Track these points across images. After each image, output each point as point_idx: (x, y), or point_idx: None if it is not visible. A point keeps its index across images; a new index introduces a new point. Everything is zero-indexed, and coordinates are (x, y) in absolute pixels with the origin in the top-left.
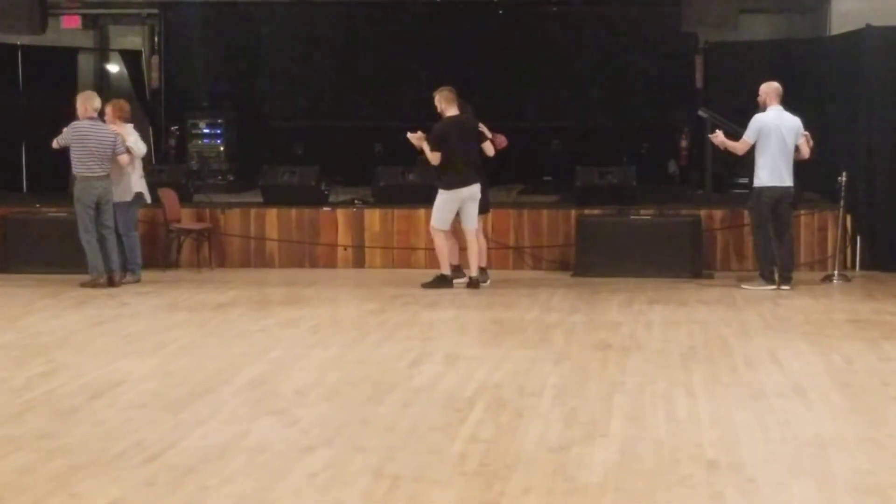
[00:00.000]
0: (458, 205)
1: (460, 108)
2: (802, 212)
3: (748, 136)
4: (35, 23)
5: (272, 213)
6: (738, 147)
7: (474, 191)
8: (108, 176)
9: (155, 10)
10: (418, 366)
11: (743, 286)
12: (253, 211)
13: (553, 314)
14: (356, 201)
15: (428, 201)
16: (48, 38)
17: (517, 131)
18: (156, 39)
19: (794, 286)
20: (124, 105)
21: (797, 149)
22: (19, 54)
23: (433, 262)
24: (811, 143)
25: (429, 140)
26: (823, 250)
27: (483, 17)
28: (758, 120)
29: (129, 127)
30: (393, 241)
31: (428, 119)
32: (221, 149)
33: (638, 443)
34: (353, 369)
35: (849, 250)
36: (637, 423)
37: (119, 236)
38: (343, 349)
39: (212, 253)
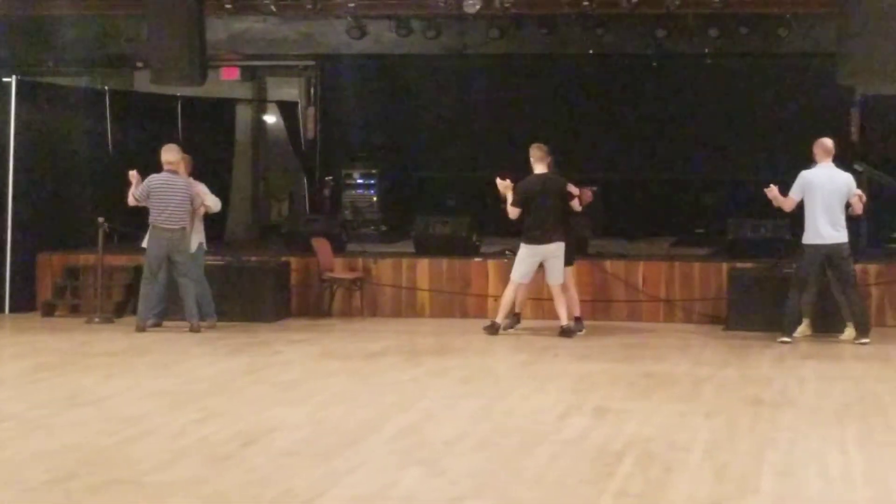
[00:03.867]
0: (537, 260)
1: (548, 166)
2: None
3: (792, 194)
4: (195, 74)
5: (424, 264)
6: (785, 203)
7: (553, 249)
8: (182, 228)
9: (312, 62)
10: (567, 418)
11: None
12: (405, 261)
13: (704, 368)
14: (507, 252)
15: (584, 255)
16: (207, 90)
17: (670, 184)
18: (312, 91)
19: (872, 339)
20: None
21: (850, 206)
22: (179, 105)
23: (589, 313)
24: (864, 199)
25: (513, 193)
26: None
27: (637, 71)
28: (802, 177)
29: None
30: (544, 293)
31: (583, 170)
32: (375, 199)
33: (789, 500)
34: (503, 420)
35: None
36: (789, 481)
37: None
38: (493, 400)
39: (364, 302)
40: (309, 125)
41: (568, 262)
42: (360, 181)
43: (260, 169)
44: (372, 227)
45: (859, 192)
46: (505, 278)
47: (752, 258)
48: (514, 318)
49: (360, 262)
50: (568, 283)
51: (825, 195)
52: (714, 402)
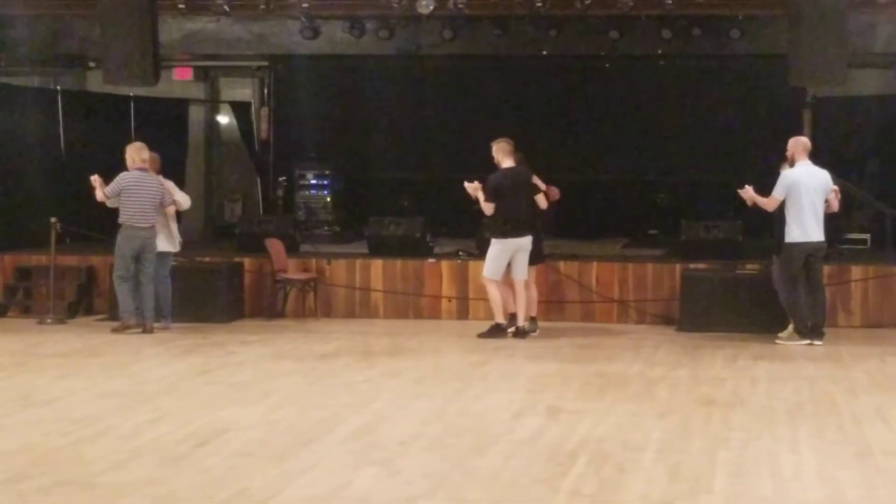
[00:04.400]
0: (510, 255)
1: (516, 160)
2: None
3: (777, 193)
4: (148, 74)
5: (377, 264)
6: (768, 203)
7: (525, 242)
8: (153, 227)
9: (265, 63)
10: (521, 418)
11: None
12: (358, 262)
13: (657, 368)
14: (461, 253)
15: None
16: (160, 90)
17: (623, 185)
18: (265, 91)
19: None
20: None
21: (827, 203)
22: (132, 105)
23: (542, 314)
24: (840, 196)
25: (484, 190)
26: None
27: (590, 72)
28: (786, 176)
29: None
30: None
31: (537, 171)
32: (328, 200)
33: (742, 500)
34: (456, 421)
35: None
36: (741, 480)
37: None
38: (446, 400)
39: (317, 303)
40: (262, 126)
41: (532, 261)
42: (313, 182)
43: (213, 169)
44: (325, 228)
45: (836, 188)
46: (458, 279)
47: (704, 259)
48: (513, 318)
49: (313, 262)
50: (530, 281)
51: (810, 194)
52: (667, 402)
